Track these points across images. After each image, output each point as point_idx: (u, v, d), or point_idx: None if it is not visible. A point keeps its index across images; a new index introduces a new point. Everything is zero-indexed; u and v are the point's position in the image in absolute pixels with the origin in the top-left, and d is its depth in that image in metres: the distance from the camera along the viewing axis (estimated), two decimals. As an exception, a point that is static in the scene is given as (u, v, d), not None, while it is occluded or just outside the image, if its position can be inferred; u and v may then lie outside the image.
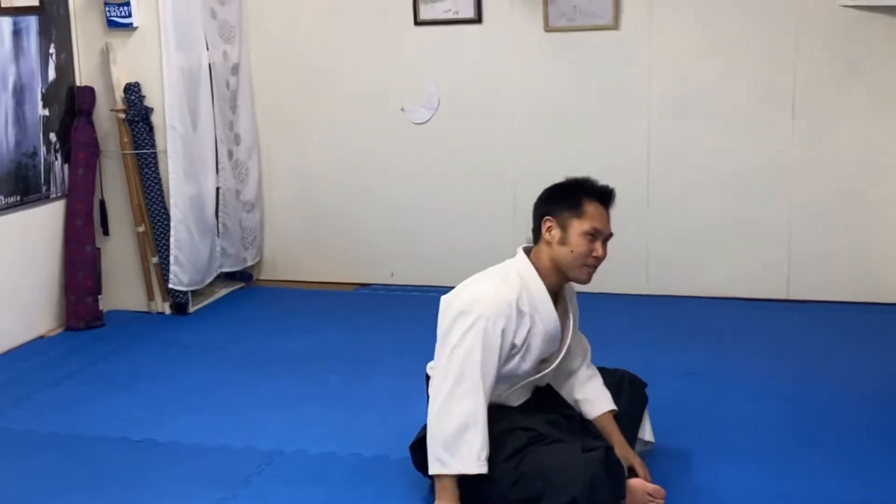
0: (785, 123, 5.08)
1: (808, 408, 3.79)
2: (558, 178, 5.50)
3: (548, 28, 5.26)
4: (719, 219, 5.24)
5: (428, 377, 3.15)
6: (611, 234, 3.05)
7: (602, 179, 5.39)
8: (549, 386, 3.22)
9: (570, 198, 3.03)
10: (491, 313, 2.92)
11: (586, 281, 3.04)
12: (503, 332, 2.93)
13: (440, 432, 2.88)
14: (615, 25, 5.17)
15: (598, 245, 2.99)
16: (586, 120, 5.32)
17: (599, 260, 3.00)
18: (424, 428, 3.05)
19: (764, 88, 5.08)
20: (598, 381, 3.24)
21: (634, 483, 2.94)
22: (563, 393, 3.24)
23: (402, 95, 5.54)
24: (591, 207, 3.00)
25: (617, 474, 2.88)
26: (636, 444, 3.26)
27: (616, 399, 3.18)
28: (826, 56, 4.98)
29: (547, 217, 3.05)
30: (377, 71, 5.54)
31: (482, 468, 2.85)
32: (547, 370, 3.10)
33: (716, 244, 5.26)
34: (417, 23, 5.43)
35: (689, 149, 5.22)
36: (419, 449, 3.07)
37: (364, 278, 5.77)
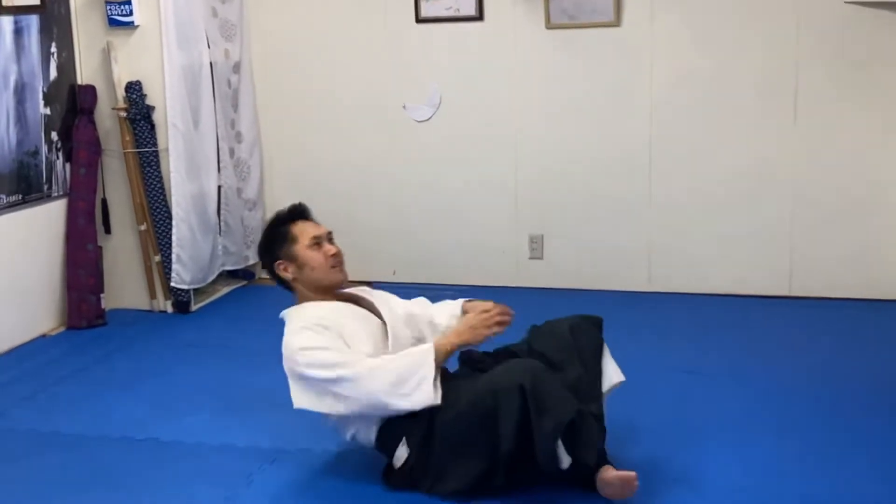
0: (787, 120, 5.07)
1: (812, 406, 3.78)
2: (559, 174, 5.52)
3: (549, 25, 5.25)
4: (721, 216, 5.24)
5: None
6: (329, 233, 3.32)
7: (604, 176, 5.47)
8: None
9: (277, 236, 3.30)
10: (300, 344, 3.07)
11: (344, 278, 3.32)
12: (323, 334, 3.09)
13: (390, 389, 2.99)
14: (616, 22, 5.16)
15: (326, 246, 3.26)
16: (588, 117, 5.31)
17: (338, 256, 3.27)
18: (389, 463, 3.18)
19: (765, 85, 5.07)
20: (441, 303, 3.45)
21: (608, 475, 2.95)
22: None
23: (404, 93, 5.54)
24: (296, 228, 3.29)
25: (589, 431, 2.94)
26: (604, 389, 3.24)
27: (568, 351, 3.18)
28: (828, 53, 4.97)
29: (277, 263, 3.29)
30: (378, 69, 5.54)
31: (431, 349, 3.04)
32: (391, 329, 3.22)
33: (718, 241, 5.26)
34: (418, 20, 5.43)
35: (691, 146, 5.21)
36: (390, 474, 3.16)
37: (366, 276, 5.74)
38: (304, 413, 3.80)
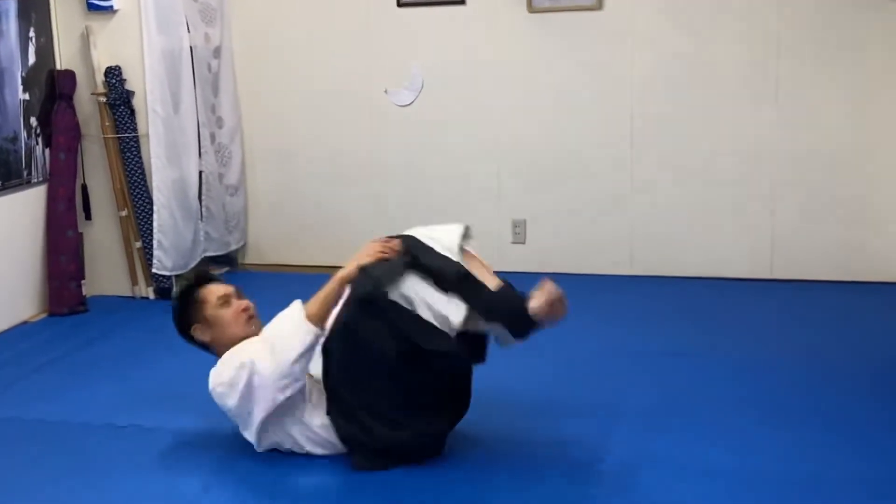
0: (768, 103, 5.09)
1: (792, 388, 3.80)
2: (542, 158, 5.53)
3: (531, 9, 5.25)
4: (703, 199, 5.25)
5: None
6: (235, 289, 3.37)
7: (586, 160, 5.48)
8: None
9: (187, 303, 3.34)
10: (213, 381, 3.20)
11: (255, 332, 3.25)
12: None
13: (272, 348, 3.06)
14: (598, 6, 5.17)
15: (234, 302, 3.32)
16: (570, 101, 5.31)
17: (248, 310, 3.32)
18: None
19: (747, 68, 5.08)
20: None
21: (536, 301, 3.05)
22: None
23: (386, 78, 5.52)
24: (203, 291, 3.34)
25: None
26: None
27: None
28: (809, 36, 4.99)
29: (192, 327, 3.33)
30: (360, 53, 5.52)
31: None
32: None
33: (699, 224, 5.28)
34: (400, 4, 5.42)
35: (673, 129, 5.22)
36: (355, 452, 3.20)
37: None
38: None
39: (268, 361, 3.04)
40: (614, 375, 3.96)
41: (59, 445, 3.48)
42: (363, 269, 3.05)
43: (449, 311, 2.98)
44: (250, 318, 3.32)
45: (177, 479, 3.20)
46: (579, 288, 5.19)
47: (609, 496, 2.95)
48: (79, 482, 3.20)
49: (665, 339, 4.39)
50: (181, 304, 3.36)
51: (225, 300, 3.32)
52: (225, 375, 3.13)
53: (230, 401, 3.13)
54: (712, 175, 5.22)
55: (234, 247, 5.78)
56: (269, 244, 5.88)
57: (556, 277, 5.27)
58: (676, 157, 5.24)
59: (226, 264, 5.79)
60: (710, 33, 5.10)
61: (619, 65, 5.22)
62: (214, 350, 3.32)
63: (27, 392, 4.02)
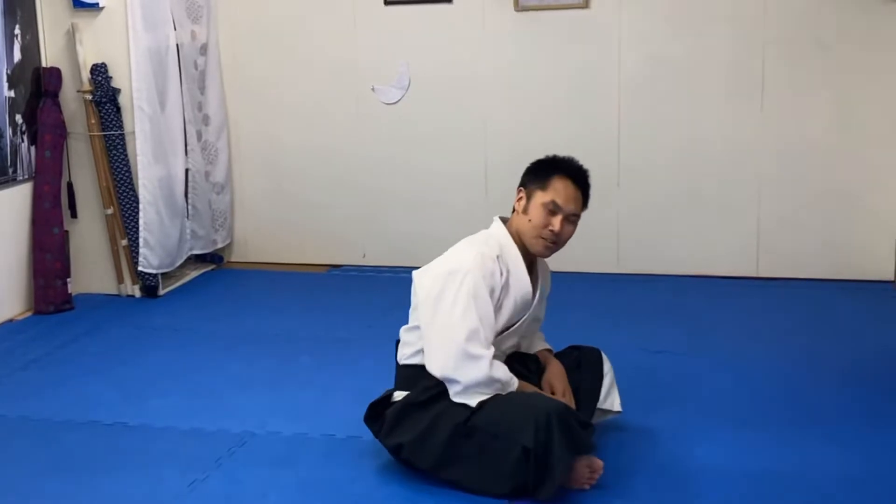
0: (754, 101, 5.11)
1: (777, 385, 3.82)
2: (529, 158, 5.52)
3: (518, 7, 5.25)
4: (689, 197, 5.27)
5: (398, 342, 3.20)
6: (574, 214, 3.11)
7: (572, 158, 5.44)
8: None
9: (543, 171, 3.13)
10: (477, 269, 3.00)
11: (541, 254, 3.13)
12: (491, 289, 3.01)
13: (469, 384, 2.94)
14: (585, 4, 5.18)
15: (555, 220, 3.06)
16: (557, 99, 5.32)
17: (555, 234, 3.07)
18: (387, 391, 3.18)
19: (733, 66, 5.10)
20: (541, 335, 3.41)
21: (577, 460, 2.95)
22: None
23: (373, 76, 5.52)
24: (559, 183, 3.08)
25: (576, 427, 2.91)
26: (596, 413, 3.29)
27: (578, 380, 3.25)
28: (794, 32, 5.01)
29: (521, 187, 3.16)
30: (347, 51, 5.52)
31: (514, 379, 3.02)
32: (513, 328, 3.15)
33: (686, 222, 5.29)
34: (387, 2, 5.41)
35: (659, 127, 5.24)
36: (376, 407, 3.16)
37: (335, 259, 5.76)
38: (274, 396, 3.81)
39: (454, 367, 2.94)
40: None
41: (44, 443, 3.47)
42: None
43: None
44: (549, 243, 3.08)
45: (162, 477, 3.19)
46: (566, 286, 5.21)
47: (592, 495, 2.95)
48: (64, 479, 3.19)
49: (650, 337, 4.40)
50: (542, 167, 3.13)
51: (552, 210, 3.06)
52: (471, 310, 2.95)
53: (452, 308, 2.96)
54: (699, 174, 5.24)
55: (220, 244, 5.78)
56: (255, 242, 5.88)
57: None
58: (663, 156, 5.26)
59: (212, 262, 5.77)
60: (697, 31, 5.11)
61: (606, 63, 5.23)
62: (512, 218, 3.15)
63: (12, 390, 4.00)
